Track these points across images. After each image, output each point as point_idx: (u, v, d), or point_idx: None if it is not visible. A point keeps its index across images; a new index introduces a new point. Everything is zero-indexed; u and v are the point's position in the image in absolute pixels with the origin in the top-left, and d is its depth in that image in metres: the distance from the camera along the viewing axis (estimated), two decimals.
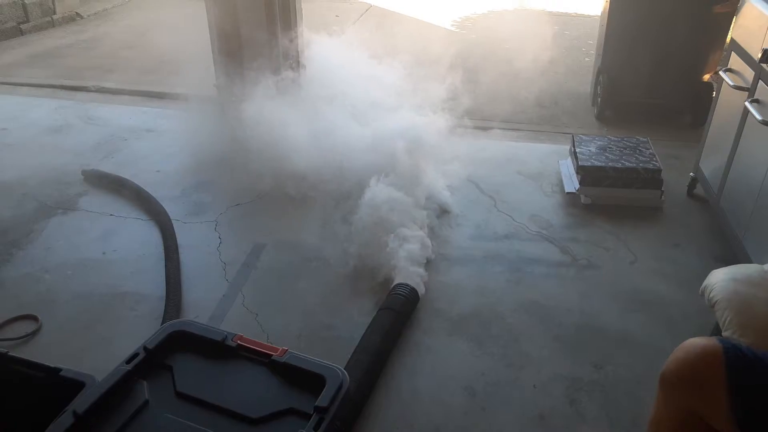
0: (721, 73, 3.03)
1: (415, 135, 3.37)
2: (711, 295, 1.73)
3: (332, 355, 2.19)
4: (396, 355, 2.31)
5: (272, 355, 1.73)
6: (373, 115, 3.65)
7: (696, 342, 1.40)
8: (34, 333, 2.38)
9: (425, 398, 2.14)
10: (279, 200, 3.28)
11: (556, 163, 3.71)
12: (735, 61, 2.99)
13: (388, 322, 2.36)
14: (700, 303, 1.93)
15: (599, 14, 4.59)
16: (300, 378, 1.67)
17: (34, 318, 2.44)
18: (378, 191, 2.98)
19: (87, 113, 4.38)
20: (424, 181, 3.23)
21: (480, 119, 4.41)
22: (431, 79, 4.64)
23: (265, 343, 1.78)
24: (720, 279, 1.75)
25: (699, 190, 3.38)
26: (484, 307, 2.57)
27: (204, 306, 2.54)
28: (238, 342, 1.77)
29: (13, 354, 1.77)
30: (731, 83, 2.88)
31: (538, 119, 4.56)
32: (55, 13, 6.58)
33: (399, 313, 2.41)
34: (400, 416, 2.07)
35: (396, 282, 2.58)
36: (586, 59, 5.72)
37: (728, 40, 3.86)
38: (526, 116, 4.58)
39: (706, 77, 4.22)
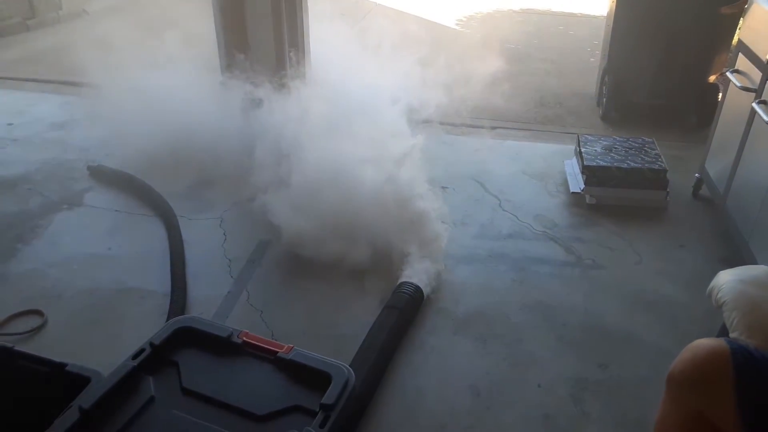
0: (727, 74, 3.02)
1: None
2: (718, 297, 1.73)
3: (337, 353, 2.19)
4: (401, 354, 2.31)
5: (278, 352, 1.73)
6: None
7: (703, 343, 1.40)
8: (40, 328, 2.38)
9: (430, 397, 2.14)
10: None
11: (561, 163, 3.71)
12: (742, 62, 2.98)
13: (393, 320, 2.36)
14: (706, 304, 1.92)
15: (605, 15, 4.58)
16: (306, 375, 1.67)
17: (40, 313, 2.44)
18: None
19: (92, 109, 4.38)
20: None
21: (484, 119, 4.40)
22: (431, 80, 4.64)
23: (271, 340, 1.78)
24: (727, 280, 1.74)
25: (704, 191, 3.37)
26: (488, 307, 2.57)
27: (209, 303, 2.54)
28: (244, 339, 1.77)
29: (19, 349, 1.77)
30: (738, 84, 2.87)
31: (542, 119, 4.55)
32: (61, 8, 6.58)
33: (403, 311, 2.41)
34: (405, 415, 2.07)
35: (401, 280, 2.58)
36: (591, 59, 5.70)
37: (735, 41, 3.85)
38: (530, 116, 4.58)
39: (713, 78, 4.20)
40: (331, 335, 2.40)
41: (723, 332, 1.71)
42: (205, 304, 2.53)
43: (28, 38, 6.12)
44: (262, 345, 1.76)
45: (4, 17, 6.04)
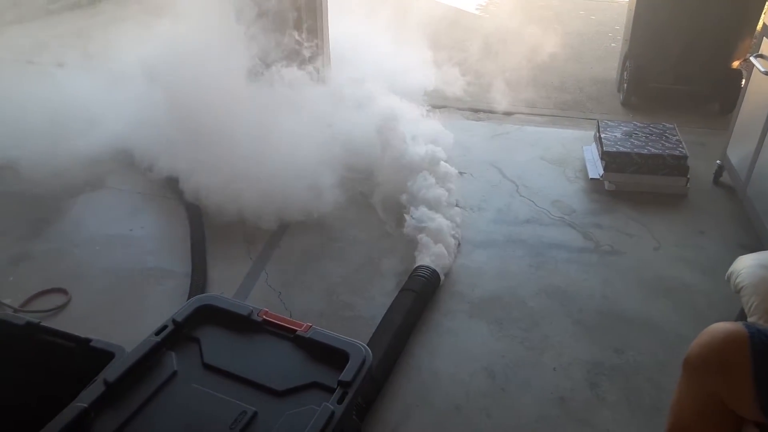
0: (751, 59, 2.97)
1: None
2: (737, 281, 1.72)
3: (353, 334, 2.19)
4: (416, 336, 2.34)
5: (297, 330, 1.75)
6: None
7: (721, 327, 1.40)
8: (64, 306, 2.44)
9: (445, 378, 2.16)
10: None
11: (580, 148, 3.68)
12: (767, 46, 2.93)
13: (409, 302, 2.38)
14: (725, 290, 1.92)
15: (626, 0, 4.52)
16: (324, 353, 1.70)
17: (64, 291, 2.50)
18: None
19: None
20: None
21: (502, 104, 4.38)
22: (450, 65, 4.63)
23: (290, 319, 1.81)
24: (747, 265, 1.74)
25: (725, 178, 3.33)
26: (505, 291, 2.58)
27: (228, 283, 2.58)
28: (264, 317, 1.80)
29: (45, 325, 1.82)
30: (762, 69, 2.82)
31: (562, 104, 4.51)
32: None
33: (420, 294, 2.43)
34: (420, 395, 2.09)
35: (417, 264, 2.60)
36: (612, 45, 5.63)
37: (760, 25, 3.77)
38: (550, 101, 4.54)
39: (736, 64, 4.13)
40: (348, 317, 2.43)
41: (741, 316, 1.71)
42: (225, 285, 2.57)
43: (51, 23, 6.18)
44: (281, 323, 1.78)
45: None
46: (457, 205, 3.10)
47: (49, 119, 3.52)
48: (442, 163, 3.18)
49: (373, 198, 3.16)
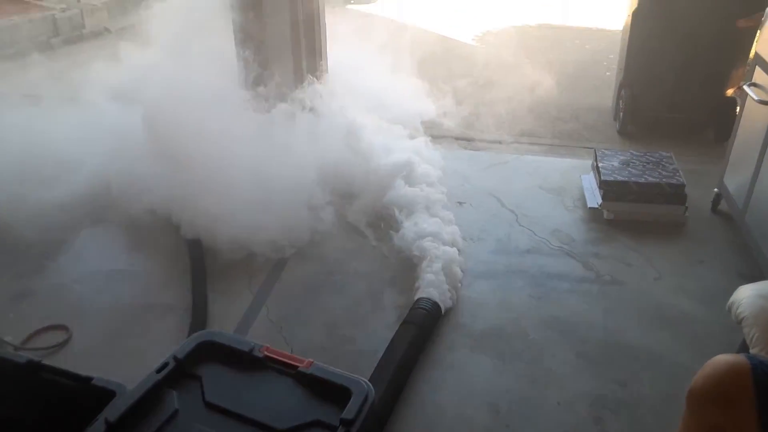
0: (745, 87, 3.01)
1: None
2: (738, 312, 1.73)
3: (355, 368, 2.20)
4: (419, 370, 2.32)
5: (298, 366, 1.75)
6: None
7: (723, 359, 1.40)
8: (65, 343, 2.43)
9: (449, 414, 2.14)
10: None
11: (578, 177, 3.71)
12: (759, 75, 2.98)
13: (411, 336, 2.38)
14: (726, 320, 1.92)
15: (620, 29, 4.60)
16: (325, 390, 1.69)
17: (65, 328, 2.49)
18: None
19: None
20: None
21: (500, 133, 4.43)
22: (447, 96, 4.69)
23: (291, 355, 1.80)
24: (747, 295, 1.74)
25: (723, 205, 3.35)
26: (507, 323, 2.57)
27: (229, 317, 2.58)
28: (265, 353, 1.79)
29: (46, 363, 1.81)
30: (756, 98, 2.86)
31: (559, 133, 4.56)
32: (84, 27, 6.74)
33: (421, 327, 2.43)
34: (424, 431, 2.07)
35: (418, 296, 2.60)
36: (608, 73, 5.70)
37: (752, 54, 3.84)
38: (547, 130, 4.58)
39: (730, 92, 4.19)
40: (350, 351, 2.42)
41: (743, 348, 1.71)
42: (226, 319, 2.56)
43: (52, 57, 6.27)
44: (282, 359, 1.78)
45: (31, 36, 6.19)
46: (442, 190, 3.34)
47: (48, 155, 3.53)
48: (418, 166, 3.36)
49: (352, 209, 3.28)
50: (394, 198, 3.22)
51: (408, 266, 2.86)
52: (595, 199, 3.40)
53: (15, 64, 5.24)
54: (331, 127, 3.54)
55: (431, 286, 2.62)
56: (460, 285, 2.77)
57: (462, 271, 2.84)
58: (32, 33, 6.23)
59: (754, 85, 2.99)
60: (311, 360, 1.77)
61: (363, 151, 3.42)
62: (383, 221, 3.19)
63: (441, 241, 2.89)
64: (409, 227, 3.00)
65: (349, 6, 7.96)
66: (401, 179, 3.30)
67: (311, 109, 3.58)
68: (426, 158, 3.63)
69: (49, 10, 6.55)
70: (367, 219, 3.23)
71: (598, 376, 2.30)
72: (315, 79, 3.75)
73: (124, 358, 2.33)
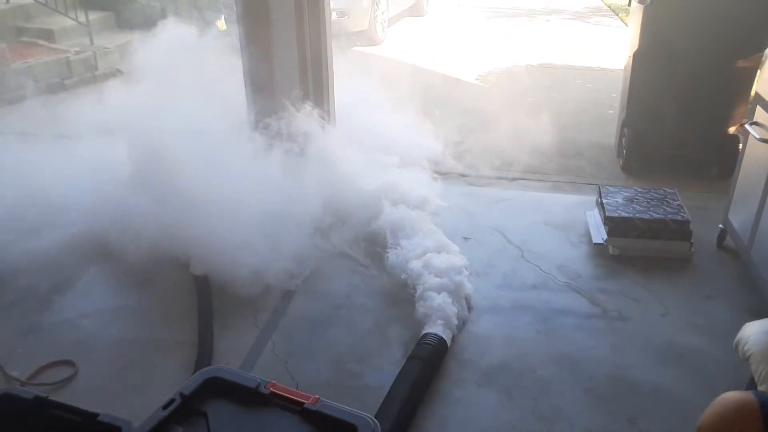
0: (747, 126, 3.05)
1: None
2: (745, 348, 1.72)
3: (361, 404, 2.20)
4: (425, 407, 2.31)
5: (304, 403, 1.74)
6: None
7: (732, 396, 1.40)
8: (71, 378, 2.43)
9: None
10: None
11: (582, 213, 3.73)
12: (760, 114, 3.02)
13: (417, 371, 2.37)
14: (735, 356, 1.91)
15: (622, 68, 4.68)
16: (331, 427, 1.68)
17: (71, 363, 2.50)
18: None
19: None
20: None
21: (504, 170, 4.48)
22: (451, 133, 4.76)
23: (297, 391, 1.80)
24: (754, 332, 1.74)
25: (729, 241, 3.35)
26: (513, 358, 2.56)
27: (235, 353, 2.58)
28: (271, 389, 1.79)
29: (53, 399, 1.82)
30: (757, 136, 2.90)
31: (563, 170, 4.60)
32: (97, 69, 6.91)
33: (428, 362, 2.42)
34: None
35: (425, 331, 2.60)
36: (610, 111, 5.78)
37: (753, 93, 3.89)
38: (551, 167, 4.63)
39: (732, 129, 4.24)
40: (356, 386, 2.41)
41: (751, 385, 1.70)
42: (232, 354, 2.56)
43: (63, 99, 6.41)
44: (288, 396, 1.77)
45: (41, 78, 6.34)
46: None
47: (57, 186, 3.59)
48: (401, 187, 3.54)
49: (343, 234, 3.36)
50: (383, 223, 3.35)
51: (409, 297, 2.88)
52: (600, 234, 3.41)
53: (23, 105, 5.37)
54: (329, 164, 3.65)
55: (438, 317, 2.63)
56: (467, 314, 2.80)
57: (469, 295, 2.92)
58: (46, 75, 6.39)
59: (756, 123, 3.03)
60: (317, 396, 1.77)
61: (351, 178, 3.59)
62: (378, 246, 3.28)
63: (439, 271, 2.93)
64: (404, 253, 3.09)
65: (356, 48, 8.13)
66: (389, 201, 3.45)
67: (317, 150, 3.66)
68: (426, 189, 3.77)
69: (64, 53, 6.73)
70: (366, 248, 3.30)
71: (606, 412, 2.28)
72: (322, 119, 3.83)
73: (130, 394, 2.33)
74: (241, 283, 2.89)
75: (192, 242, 3.06)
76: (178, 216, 3.07)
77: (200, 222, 3.05)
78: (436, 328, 2.59)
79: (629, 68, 4.34)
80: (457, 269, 2.94)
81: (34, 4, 7.00)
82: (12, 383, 2.36)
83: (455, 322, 2.67)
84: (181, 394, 1.76)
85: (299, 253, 3.13)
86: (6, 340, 2.65)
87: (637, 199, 3.51)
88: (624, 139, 4.49)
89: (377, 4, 8.44)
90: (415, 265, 2.97)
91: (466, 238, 3.47)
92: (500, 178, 4.40)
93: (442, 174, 4.25)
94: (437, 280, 2.83)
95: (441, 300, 2.70)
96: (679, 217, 3.30)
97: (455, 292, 2.80)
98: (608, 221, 3.35)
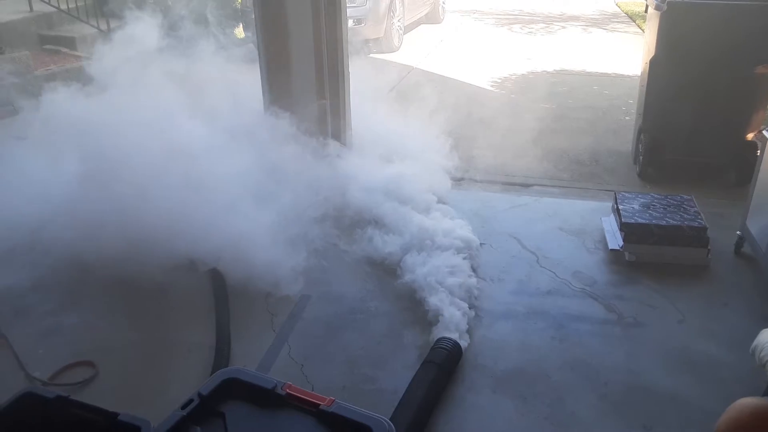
0: (765, 132, 3.04)
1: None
2: (762, 355, 1.72)
3: (376, 407, 2.19)
4: (440, 411, 2.32)
5: (320, 404, 1.76)
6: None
7: (748, 402, 1.40)
8: (91, 379, 2.48)
9: None
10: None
11: (598, 219, 3.72)
12: None
13: (432, 376, 2.38)
14: (751, 363, 1.90)
15: (638, 75, 4.66)
16: (346, 428, 1.70)
17: (91, 364, 2.54)
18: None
19: None
20: None
21: (520, 176, 4.48)
22: (468, 140, 4.77)
23: (313, 393, 1.82)
24: None
25: (746, 248, 3.32)
26: (528, 364, 2.56)
27: (252, 355, 2.60)
28: (288, 391, 1.82)
29: (74, 398, 1.86)
30: None
31: (579, 177, 4.59)
32: None
33: (442, 367, 2.43)
34: None
35: (439, 336, 2.61)
36: (627, 118, 5.76)
37: None
38: (567, 173, 4.62)
39: (750, 136, 4.20)
40: (370, 390, 2.43)
41: (767, 391, 1.69)
42: (249, 357, 2.59)
43: None
44: (305, 397, 1.80)
45: None
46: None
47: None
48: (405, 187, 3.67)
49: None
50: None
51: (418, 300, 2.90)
52: (616, 241, 3.40)
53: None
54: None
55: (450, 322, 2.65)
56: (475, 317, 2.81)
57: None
58: (67, 81, 6.50)
59: None
60: (332, 398, 1.79)
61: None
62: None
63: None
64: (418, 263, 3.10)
65: (372, 55, 8.18)
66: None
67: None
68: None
69: (85, 60, 6.84)
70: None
71: (622, 419, 2.27)
72: (338, 126, 3.88)
73: (149, 395, 2.36)
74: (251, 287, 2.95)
75: (221, 251, 3.13)
76: (207, 221, 3.16)
77: (229, 229, 3.13)
78: (450, 332, 2.60)
79: (646, 75, 4.32)
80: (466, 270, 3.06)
81: (57, 13, 7.13)
82: (34, 383, 2.41)
83: (465, 327, 2.69)
84: (200, 395, 1.79)
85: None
86: (27, 341, 2.70)
87: (653, 205, 3.49)
88: (641, 146, 4.47)
89: (393, 12, 8.49)
90: (426, 269, 3.00)
91: (481, 244, 3.47)
92: (515, 184, 4.40)
93: (457, 179, 4.27)
94: (449, 281, 2.88)
95: (450, 303, 2.75)
96: (696, 224, 3.28)
97: (465, 294, 2.87)
98: (624, 227, 3.33)
